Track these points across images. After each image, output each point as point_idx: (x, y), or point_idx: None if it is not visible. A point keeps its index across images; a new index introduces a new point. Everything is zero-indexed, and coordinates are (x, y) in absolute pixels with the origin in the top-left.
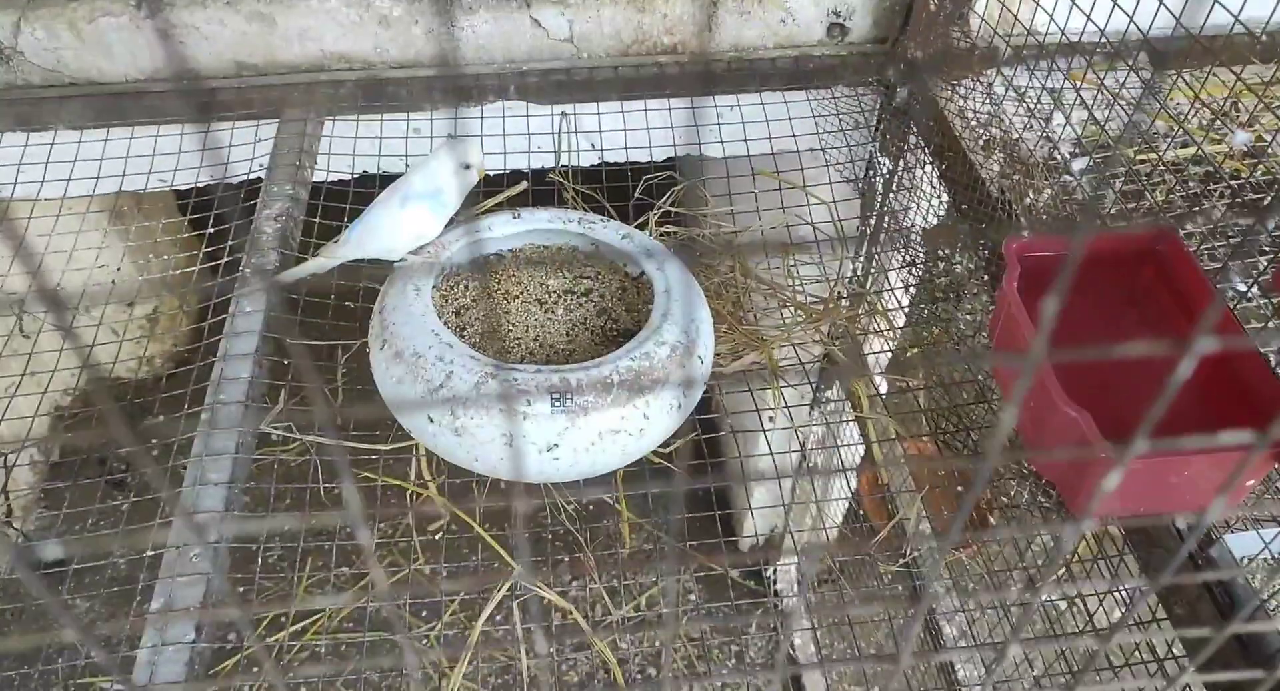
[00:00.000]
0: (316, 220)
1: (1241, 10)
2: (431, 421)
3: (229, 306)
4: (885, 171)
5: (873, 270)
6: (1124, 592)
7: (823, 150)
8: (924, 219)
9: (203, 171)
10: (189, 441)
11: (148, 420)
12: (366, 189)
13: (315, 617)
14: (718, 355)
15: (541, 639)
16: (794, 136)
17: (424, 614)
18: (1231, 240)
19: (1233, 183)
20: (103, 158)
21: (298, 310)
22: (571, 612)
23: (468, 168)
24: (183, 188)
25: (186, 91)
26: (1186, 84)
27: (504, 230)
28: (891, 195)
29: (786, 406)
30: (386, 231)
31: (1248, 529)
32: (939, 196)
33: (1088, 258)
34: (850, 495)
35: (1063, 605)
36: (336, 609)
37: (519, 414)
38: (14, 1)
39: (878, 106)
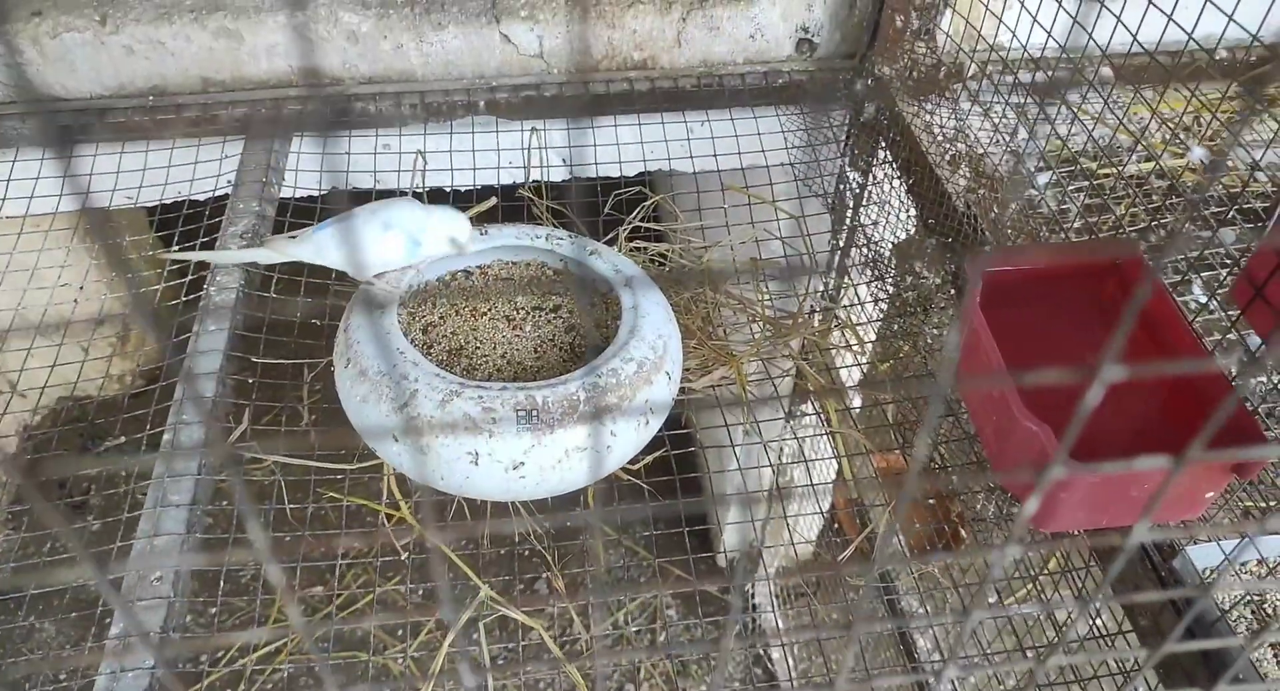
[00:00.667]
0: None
1: (1195, 28)
2: (396, 441)
3: (193, 324)
4: (855, 186)
5: (844, 285)
6: (1067, 610)
7: (792, 165)
8: (893, 233)
9: (167, 189)
10: (151, 462)
11: (109, 441)
12: (335, 206)
13: (284, 640)
14: (687, 371)
15: (469, 673)
16: (763, 152)
17: (399, 633)
18: (1191, 253)
19: (1193, 197)
20: (66, 174)
21: (263, 328)
22: (540, 632)
23: (453, 241)
24: (148, 205)
25: (44, 116)
26: (1145, 101)
27: (472, 246)
28: (861, 210)
29: (756, 422)
30: (361, 247)
31: (1210, 541)
32: (908, 211)
33: (1054, 272)
34: (825, 510)
35: (1035, 617)
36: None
37: (484, 432)
38: None
39: (847, 122)
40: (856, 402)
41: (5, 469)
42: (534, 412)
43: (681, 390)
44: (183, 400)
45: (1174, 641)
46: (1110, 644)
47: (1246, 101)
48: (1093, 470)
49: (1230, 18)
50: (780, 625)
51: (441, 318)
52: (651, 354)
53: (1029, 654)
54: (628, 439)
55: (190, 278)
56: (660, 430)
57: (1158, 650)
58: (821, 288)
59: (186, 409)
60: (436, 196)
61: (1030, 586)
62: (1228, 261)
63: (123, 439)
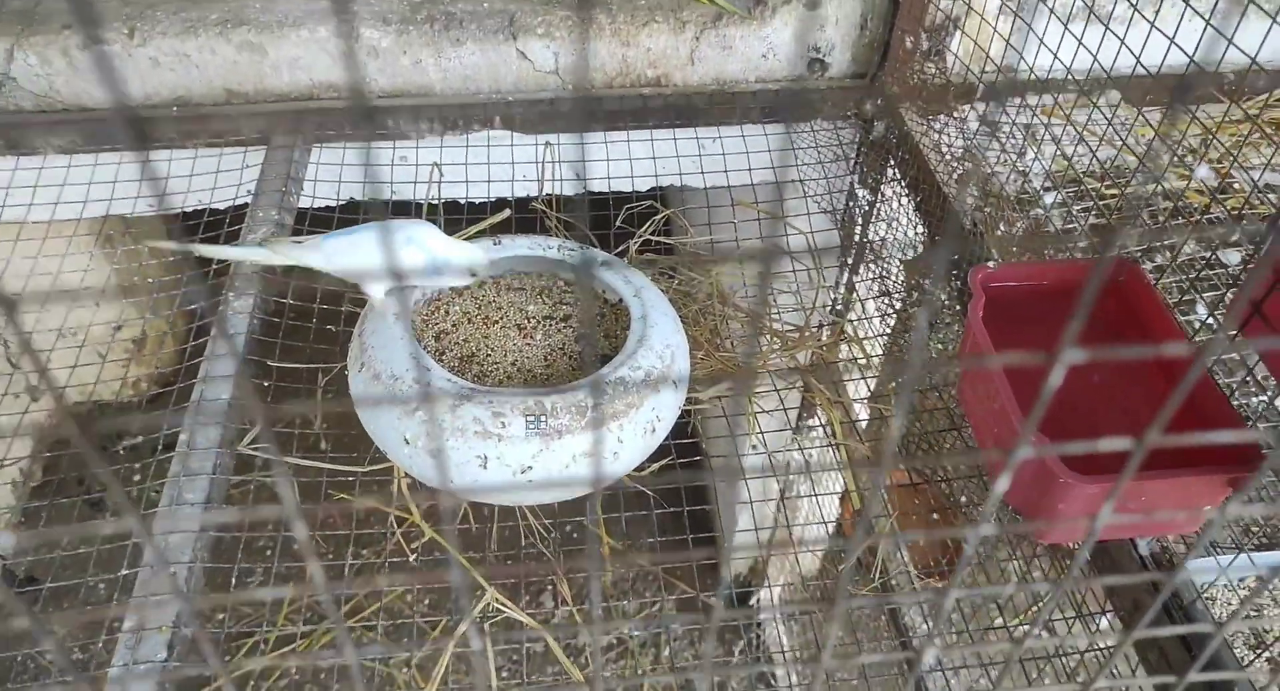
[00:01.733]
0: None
1: (1196, 51)
2: (407, 443)
3: (212, 328)
4: (864, 203)
5: (851, 300)
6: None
7: (802, 182)
8: (901, 250)
9: (190, 196)
10: (167, 463)
11: (126, 441)
12: (352, 215)
13: (291, 644)
14: (694, 381)
15: (475, 636)
16: (774, 168)
17: (404, 640)
18: (1198, 272)
19: (1198, 216)
20: (91, 181)
21: (279, 333)
22: (546, 637)
23: (473, 274)
24: (170, 212)
25: (128, 121)
26: (1147, 121)
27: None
28: (870, 226)
29: (761, 432)
30: (380, 256)
31: (1207, 555)
32: (916, 228)
33: (1055, 288)
34: (832, 521)
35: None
36: (317, 634)
37: (494, 436)
38: (9, 28)
39: (856, 140)
40: (863, 416)
41: (59, 421)
42: (542, 418)
43: (689, 400)
44: (200, 401)
45: (1145, 625)
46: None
47: (1169, 117)
48: (1056, 450)
49: (1230, 41)
50: (785, 642)
51: (454, 325)
52: (659, 363)
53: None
54: (634, 446)
55: (210, 283)
56: (667, 439)
57: (1134, 631)
58: (829, 302)
59: (218, 365)
60: (452, 208)
61: (1036, 607)
62: (1230, 281)
63: (140, 439)
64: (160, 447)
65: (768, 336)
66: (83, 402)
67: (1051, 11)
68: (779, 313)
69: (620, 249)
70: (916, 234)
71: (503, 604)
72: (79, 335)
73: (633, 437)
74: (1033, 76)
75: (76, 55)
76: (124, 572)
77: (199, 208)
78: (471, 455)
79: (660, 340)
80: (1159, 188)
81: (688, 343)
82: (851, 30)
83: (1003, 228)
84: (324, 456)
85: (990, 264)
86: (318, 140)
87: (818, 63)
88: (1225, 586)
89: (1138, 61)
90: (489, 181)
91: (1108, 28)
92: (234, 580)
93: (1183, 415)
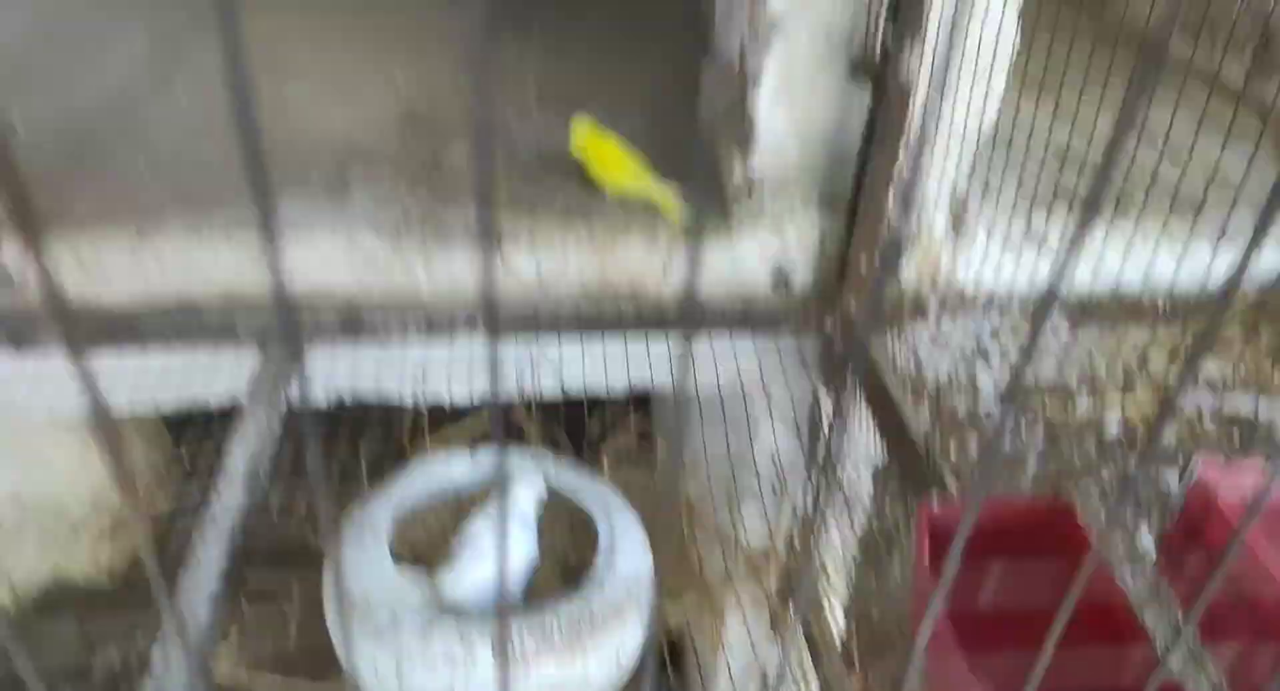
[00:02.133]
0: (287, 442)
1: (1118, 270)
2: (377, 673)
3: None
4: (826, 418)
5: (818, 515)
6: None
7: (767, 394)
8: (862, 465)
9: (179, 396)
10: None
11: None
12: (340, 413)
13: None
14: (662, 600)
15: None
16: (740, 377)
17: None
18: (1137, 497)
19: (1139, 437)
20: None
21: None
22: None
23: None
24: (165, 411)
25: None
26: (1090, 344)
27: (461, 469)
28: (832, 441)
29: (726, 652)
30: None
31: None
32: (875, 443)
33: (1000, 527)
34: None
35: None
36: None
37: (461, 665)
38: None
39: (818, 353)
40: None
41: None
42: (509, 644)
43: (658, 621)
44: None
45: None
46: None
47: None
48: None
49: (1159, 273)
50: None
51: (429, 540)
52: (625, 586)
53: None
54: (604, 672)
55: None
56: (637, 662)
57: None
58: (794, 519)
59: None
60: (435, 409)
61: None
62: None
63: (116, 658)
64: (137, 667)
65: (734, 558)
66: (52, 588)
67: (988, 236)
68: (744, 530)
69: (593, 457)
70: (877, 449)
71: None
72: (58, 522)
73: (600, 663)
74: (976, 295)
75: (87, 257)
76: None
77: (192, 407)
78: (440, 686)
79: (628, 564)
80: (1100, 411)
81: (655, 560)
82: (811, 248)
83: (955, 448)
84: (296, 665)
85: (935, 501)
86: (310, 342)
87: (781, 278)
88: None
89: (1073, 286)
90: (471, 383)
91: (1039, 247)
92: None
93: (1106, 639)
